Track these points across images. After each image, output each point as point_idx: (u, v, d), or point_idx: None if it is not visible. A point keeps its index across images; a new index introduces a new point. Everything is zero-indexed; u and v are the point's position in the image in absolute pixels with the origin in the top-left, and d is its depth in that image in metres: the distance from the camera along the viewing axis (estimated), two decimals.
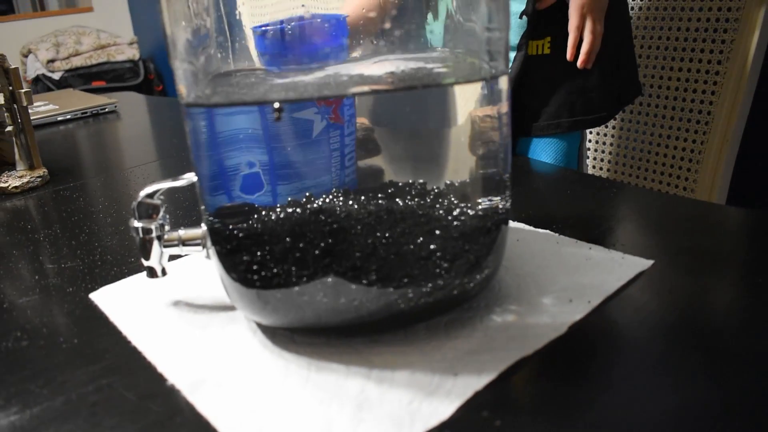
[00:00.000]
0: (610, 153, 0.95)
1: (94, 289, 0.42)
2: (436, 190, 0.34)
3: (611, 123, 0.94)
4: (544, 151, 0.71)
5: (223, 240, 0.32)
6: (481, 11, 0.32)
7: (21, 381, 0.33)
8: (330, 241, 0.32)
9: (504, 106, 0.33)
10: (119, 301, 0.40)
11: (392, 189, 0.35)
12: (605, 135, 0.96)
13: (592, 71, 0.66)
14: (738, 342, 0.32)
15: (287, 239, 0.32)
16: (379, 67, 0.35)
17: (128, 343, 0.35)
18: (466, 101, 0.32)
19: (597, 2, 0.63)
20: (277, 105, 0.29)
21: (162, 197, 0.37)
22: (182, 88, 0.31)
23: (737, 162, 0.82)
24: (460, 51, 0.36)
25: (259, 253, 0.32)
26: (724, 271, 0.39)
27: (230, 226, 0.32)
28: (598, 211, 0.51)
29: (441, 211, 0.33)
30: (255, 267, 0.32)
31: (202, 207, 0.33)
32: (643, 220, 0.49)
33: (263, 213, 0.33)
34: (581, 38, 0.63)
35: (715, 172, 0.81)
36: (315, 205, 0.34)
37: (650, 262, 0.39)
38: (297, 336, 0.34)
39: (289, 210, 0.33)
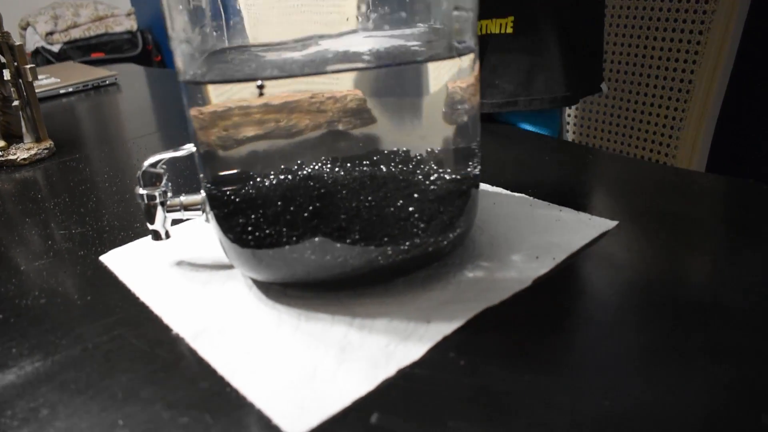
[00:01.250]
0: (592, 120, 0.98)
1: (103, 252, 0.46)
2: (417, 157, 0.37)
3: (607, 83, 0.96)
4: (526, 120, 0.73)
5: (220, 205, 0.36)
6: None
7: (42, 333, 0.36)
8: (318, 204, 0.35)
9: (472, 80, 0.36)
10: (127, 263, 0.43)
11: (377, 156, 0.38)
12: (590, 102, 0.98)
13: (553, 52, 0.68)
14: (693, 293, 0.35)
15: (279, 203, 0.35)
16: (367, 43, 0.38)
17: (137, 299, 0.39)
18: (439, 76, 0.35)
19: None
20: (259, 83, 0.32)
21: (164, 166, 0.41)
22: (180, 65, 0.34)
23: (717, 132, 0.84)
24: (438, 27, 0.39)
25: (253, 216, 0.35)
26: (685, 232, 0.43)
27: (227, 192, 0.35)
28: (573, 176, 0.54)
29: (418, 177, 0.37)
30: (250, 228, 0.35)
31: (201, 175, 0.37)
32: (615, 185, 0.52)
33: (257, 179, 0.36)
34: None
35: (695, 140, 0.84)
36: (305, 172, 0.37)
37: (614, 222, 0.43)
38: (289, 290, 0.37)
39: (281, 176, 0.36)
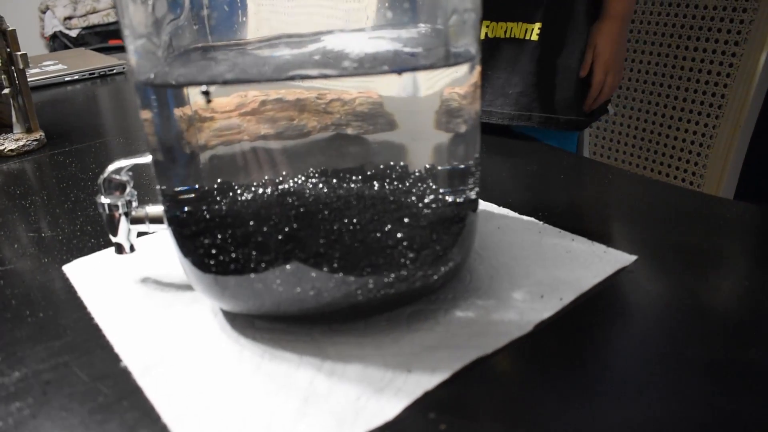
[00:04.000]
0: (614, 138, 0.92)
1: (69, 260, 0.42)
2: (415, 174, 0.32)
3: (615, 106, 0.90)
4: (542, 134, 0.68)
5: (179, 223, 0.32)
6: None
7: None
8: (294, 225, 0.31)
9: (470, 90, 0.31)
10: (89, 275, 0.39)
11: (370, 171, 0.33)
12: (611, 122, 0.92)
13: (577, 70, 0.64)
14: (719, 349, 0.30)
15: (250, 222, 0.31)
16: (364, 43, 0.33)
17: (92, 319, 0.35)
18: (434, 84, 0.31)
19: (618, 60, 0.66)
20: (204, 88, 0.28)
21: (129, 173, 0.37)
22: (135, 64, 0.30)
23: (748, 154, 0.78)
24: (439, 28, 0.34)
25: (219, 237, 0.31)
26: (711, 271, 0.38)
27: (187, 209, 0.31)
28: (589, 198, 0.49)
29: (410, 198, 0.32)
30: (213, 251, 0.31)
31: (158, 187, 0.32)
32: (635, 211, 0.47)
33: (226, 194, 0.32)
34: None
35: (725, 162, 0.77)
36: (282, 188, 0.32)
37: (633, 257, 0.38)
38: (257, 321, 0.33)
39: (254, 191, 0.32)
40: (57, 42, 1.99)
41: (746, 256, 0.40)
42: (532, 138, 0.64)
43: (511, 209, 0.45)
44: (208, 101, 0.28)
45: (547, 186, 0.51)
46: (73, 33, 1.97)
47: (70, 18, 1.96)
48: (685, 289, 0.35)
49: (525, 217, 0.43)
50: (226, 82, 0.29)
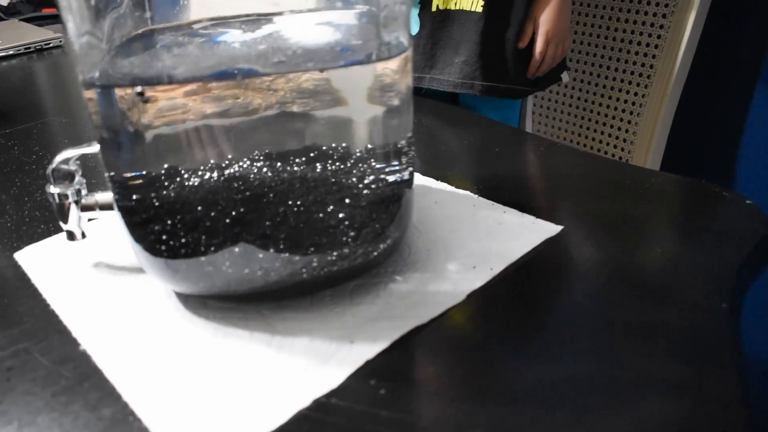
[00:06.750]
0: (555, 110, 0.95)
1: (20, 247, 0.43)
2: (357, 154, 0.34)
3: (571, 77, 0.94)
4: (486, 104, 0.71)
5: (129, 209, 0.33)
6: None
7: None
8: (241, 209, 0.32)
9: (402, 83, 0.33)
10: (42, 262, 0.40)
11: (313, 153, 0.35)
12: (555, 92, 0.96)
13: (515, 44, 0.68)
14: (635, 312, 0.34)
15: (198, 208, 0.33)
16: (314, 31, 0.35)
17: (47, 306, 0.37)
18: (364, 78, 0.33)
19: (561, 31, 0.69)
20: (139, 89, 0.29)
21: (77, 162, 0.38)
22: (80, 62, 0.31)
23: (674, 127, 0.83)
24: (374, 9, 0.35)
25: (169, 222, 0.33)
26: (633, 239, 0.41)
27: (136, 196, 0.33)
28: (522, 171, 0.52)
29: (351, 179, 0.34)
30: (164, 237, 0.33)
31: (107, 174, 0.33)
32: (565, 183, 0.50)
33: (173, 180, 0.33)
34: None
35: (652, 134, 0.82)
36: (229, 172, 0.34)
37: (559, 228, 0.41)
38: (209, 301, 0.35)
39: (201, 177, 0.33)
40: None
41: (664, 224, 0.44)
42: (475, 110, 0.67)
43: (448, 183, 0.48)
44: (145, 101, 0.29)
45: (482, 159, 0.54)
46: (4, 2, 1.88)
47: None
48: (607, 256, 0.39)
49: (461, 191, 0.46)
50: (172, 81, 0.30)
